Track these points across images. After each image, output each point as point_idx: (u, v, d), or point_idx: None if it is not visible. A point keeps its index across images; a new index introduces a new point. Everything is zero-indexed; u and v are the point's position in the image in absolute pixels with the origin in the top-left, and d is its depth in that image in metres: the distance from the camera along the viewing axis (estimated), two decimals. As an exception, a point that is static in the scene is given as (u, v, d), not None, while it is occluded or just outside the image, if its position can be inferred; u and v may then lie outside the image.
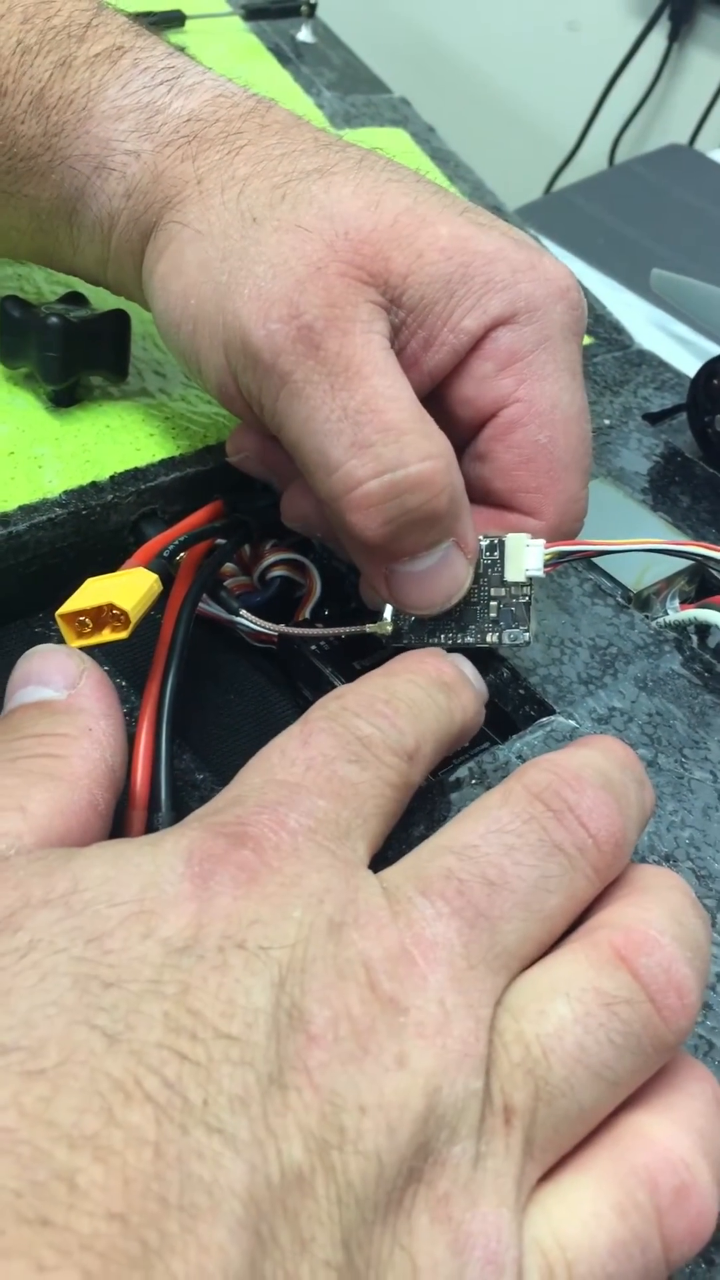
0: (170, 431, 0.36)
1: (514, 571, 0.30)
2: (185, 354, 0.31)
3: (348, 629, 0.31)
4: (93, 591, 0.26)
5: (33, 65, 0.31)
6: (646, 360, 0.51)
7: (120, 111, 0.31)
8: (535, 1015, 0.20)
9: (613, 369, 0.50)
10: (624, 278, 0.67)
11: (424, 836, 0.23)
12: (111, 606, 0.26)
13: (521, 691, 0.33)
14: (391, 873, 0.21)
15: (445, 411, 0.30)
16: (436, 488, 0.27)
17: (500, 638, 0.30)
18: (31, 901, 0.18)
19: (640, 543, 0.32)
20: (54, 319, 0.34)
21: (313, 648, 0.32)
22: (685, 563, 0.38)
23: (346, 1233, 0.17)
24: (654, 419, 0.48)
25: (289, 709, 0.33)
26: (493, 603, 0.30)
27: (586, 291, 0.49)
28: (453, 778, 0.29)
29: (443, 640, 0.30)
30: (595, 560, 0.38)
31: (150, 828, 0.26)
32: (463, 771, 0.30)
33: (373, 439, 0.27)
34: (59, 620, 0.26)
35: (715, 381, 0.46)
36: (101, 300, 0.37)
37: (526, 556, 0.30)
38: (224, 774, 0.29)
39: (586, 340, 0.50)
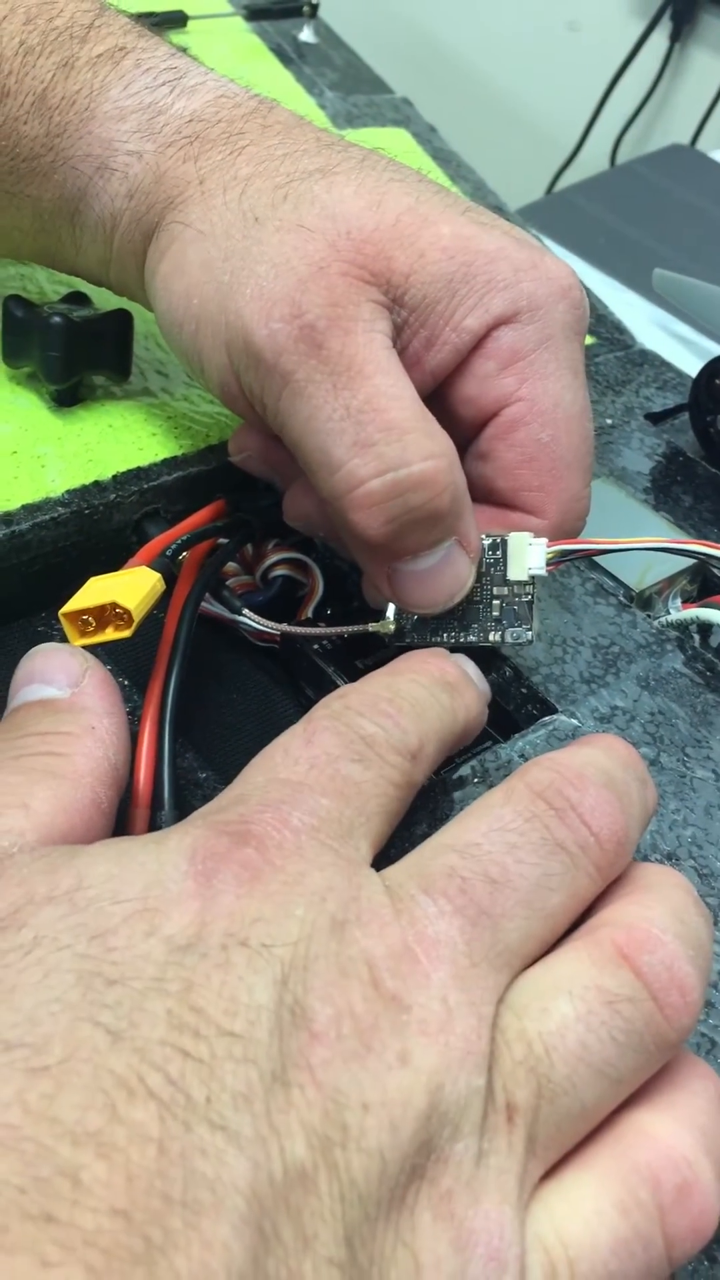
0: (173, 431, 0.36)
1: (516, 570, 0.30)
2: (188, 354, 0.31)
3: (350, 628, 0.31)
4: (96, 590, 0.27)
5: (35, 66, 0.31)
6: (648, 360, 0.51)
7: (122, 112, 0.31)
8: (538, 1013, 0.20)
9: (615, 369, 0.50)
10: (626, 278, 0.67)
11: (426, 835, 0.23)
12: (115, 605, 0.26)
13: (524, 690, 0.33)
14: (394, 871, 0.21)
15: (447, 410, 0.30)
16: (439, 486, 0.27)
17: (503, 636, 0.30)
18: (36, 898, 0.18)
19: (642, 541, 0.32)
20: (57, 318, 0.34)
21: (315, 647, 0.32)
22: (687, 562, 0.38)
23: (349, 1230, 0.17)
24: (656, 419, 0.48)
25: (291, 708, 0.33)
26: (495, 601, 0.30)
27: (588, 292, 0.49)
28: (455, 776, 0.29)
29: (445, 639, 0.30)
30: (597, 559, 0.38)
31: (153, 826, 0.26)
32: (465, 770, 0.30)
33: (375, 438, 0.27)
34: (62, 619, 0.26)
35: (717, 381, 0.46)
36: (104, 300, 0.37)
37: (529, 555, 0.30)
38: (226, 772, 0.29)
39: (589, 340, 0.50)
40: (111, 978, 0.17)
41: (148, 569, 0.28)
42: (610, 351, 0.51)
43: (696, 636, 0.36)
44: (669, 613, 0.37)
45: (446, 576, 0.29)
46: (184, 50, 0.34)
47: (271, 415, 0.29)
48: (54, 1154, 0.15)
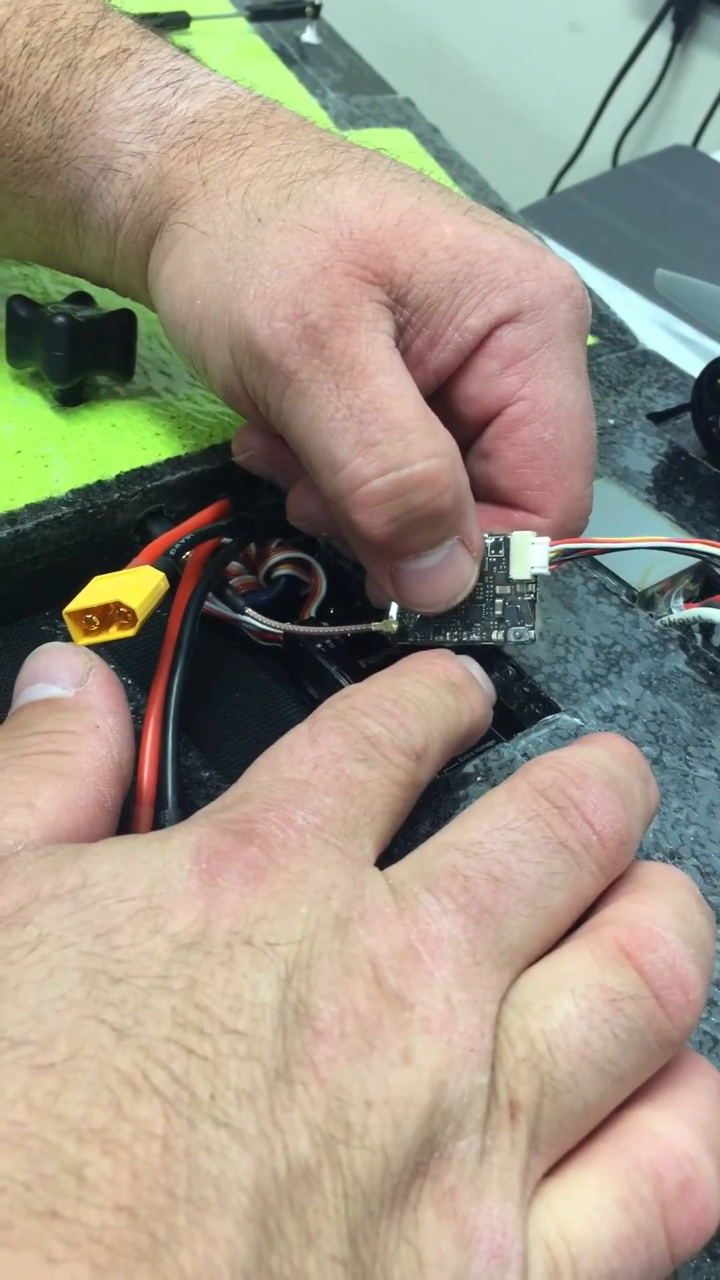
0: (176, 431, 0.36)
1: (519, 569, 0.30)
2: (191, 354, 0.31)
3: (353, 627, 0.31)
4: (100, 589, 0.27)
5: (39, 68, 0.31)
6: (650, 360, 0.51)
7: (126, 113, 0.31)
8: (540, 1011, 0.20)
9: (617, 369, 0.50)
10: (628, 278, 0.67)
11: (429, 833, 0.23)
12: (119, 604, 0.26)
13: (526, 689, 0.33)
14: (397, 869, 0.22)
15: (450, 410, 0.30)
16: (441, 486, 0.27)
17: (505, 635, 0.30)
18: (41, 896, 0.18)
19: (644, 540, 0.32)
20: (60, 318, 0.34)
21: (318, 646, 0.32)
22: (689, 562, 0.38)
23: (353, 1227, 0.17)
24: (658, 419, 0.48)
25: (294, 707, 0.33)
26: (498, 600, 0.30)
27: (591, 292, 0.49)
28: (458, 775, 0.29)
29: (448, 638, 0.30)
30: (600, 559, 0.38)
31: (157, 824, 0.26)
32: (468, 769, 0.30)
33: (378, 437, 0.27)
34: (66, 618, 0.26)
35: (719, 381, 0.46)
36: (107, 300, 0.37)
37: (531, 554, 0.30)
38: (229, 771, 0.29)
39: (591, 340, 0.51)
40: (116, 975, 0.17)
41: (151, 568, 0.28)
42: (612, 352, 0.51)
43: (699, 636, 0.36)
44: (671, 612, 0.37)
45: (449, 575, 0.29)
46: (187, 51, 0.34)
47: (275, 415, 0.29)
48: (59, 1150, 0.15)
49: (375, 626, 0.30)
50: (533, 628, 0.30)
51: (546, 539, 0.30)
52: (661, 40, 1.45)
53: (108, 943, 0.18)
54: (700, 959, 0.21)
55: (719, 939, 0.25)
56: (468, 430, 0.31)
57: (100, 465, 0.34)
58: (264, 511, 0.35)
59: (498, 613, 0.30)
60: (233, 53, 0.64)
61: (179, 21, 0.63)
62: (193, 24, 0.63)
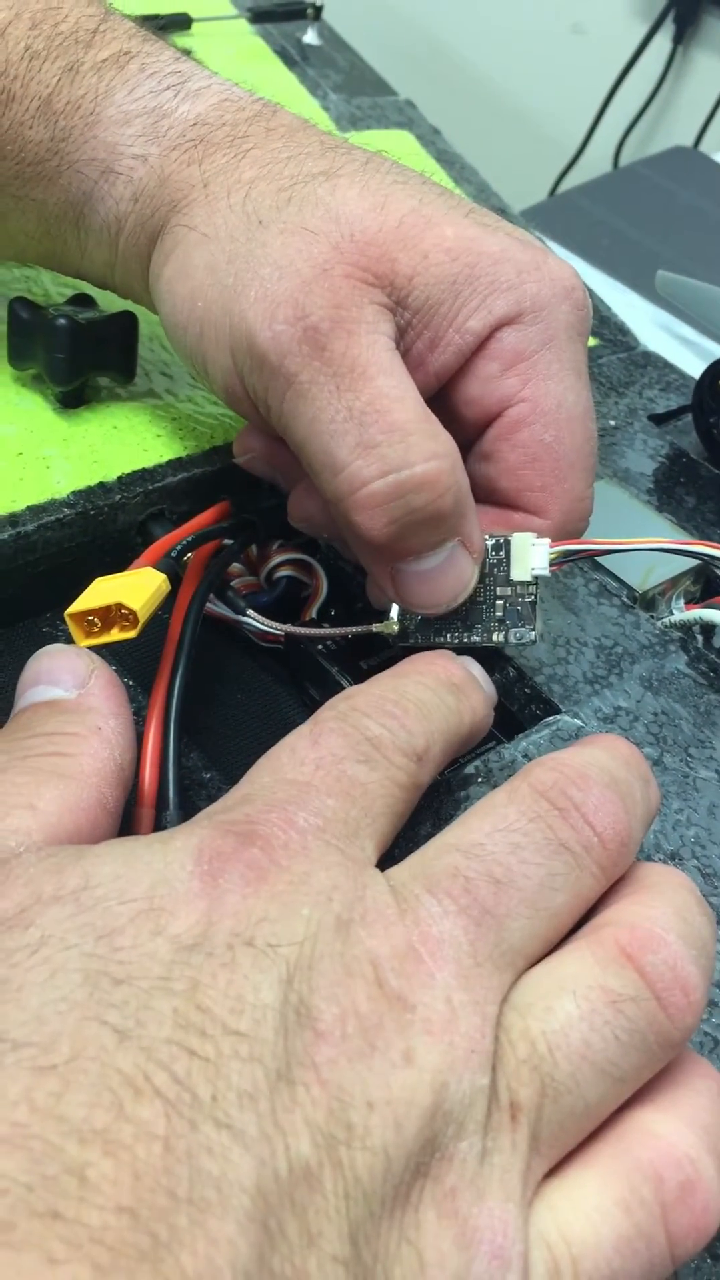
0: (177, 432, 0.36)
1: (519, 571, 0.30)
2: (192, 356, 0.31)
3: (354, 629, 0.31)
4: (101, 591, 0.27)
5: (40, 71, 0.31)
6: (651, 362, 0.51)
7: (127, 116, 0.31)
8: (541, 1012, 0.20)
9: (618, 370, 0.50)
10: (629, 279, 0.67)
11: (430, 835, 0.23)
12: (120, 606, 0.26)
13: (527, 691, 0.33)
14: (398, 871, 0.22)
15: (450, 411, 0.31)
16: (441, 487, 0.27)
17: (506, 637, 0.30)
18: (43, 898, 0.18)
19: (645, 542, 0.32)
20: (62, 320, 0.34)
21: (319, 647, 0.33)
22: (690, 563, 0.38)
23: (354, 1227, 0.17)
24: (659, 420, 0.48)
25: (296, 708, 0.33)
26: (498, 602, 0.30)
27: (591, 293, 0.49)
28: (459, 776, 0.30)
29: (449, 639, 0.30)
30: (601, 560, 0.38)
31: (158, 825, 0.26)
32: (469, 770, 0.30)
33: (378, 439, 0.27)
34: (68, 620, 0.26)
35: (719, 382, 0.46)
36: (109, 302, 0.37)
37: (532, 555, 0.30)
38: (231, 772, 0.29)
39: (592, 342, 0.51)
40: (118, 977, 0.17)
41: (153, 570, 0.28)
42: (613, 353, 0.51)
43: (699, 637, 0.36)
44: (672, 614, 0.37)
45: (449, 577, 0.29)
46: (188, 53, 0.34)
47: (275, 417, 0.29)
48: (61, 1152, 0.15)
49: (376, 628, 0.31)
50: (533, 629, 0.30)
51: (547, 540, 0.30)
52: (663, 41, 1.45)
53: (110, 944, 0.18)
54: (701, 960, 0.21)
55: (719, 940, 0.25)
56: (468, 432, 0.31)
57: (102, 467, 0.34)
58: (265, 513, 0.35)
59: (498, 614, 0.30)
60: (234, 54, 0.64)
61: (181, 23, 0.63)
62: (194, 25, 0.64)
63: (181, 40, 0.62)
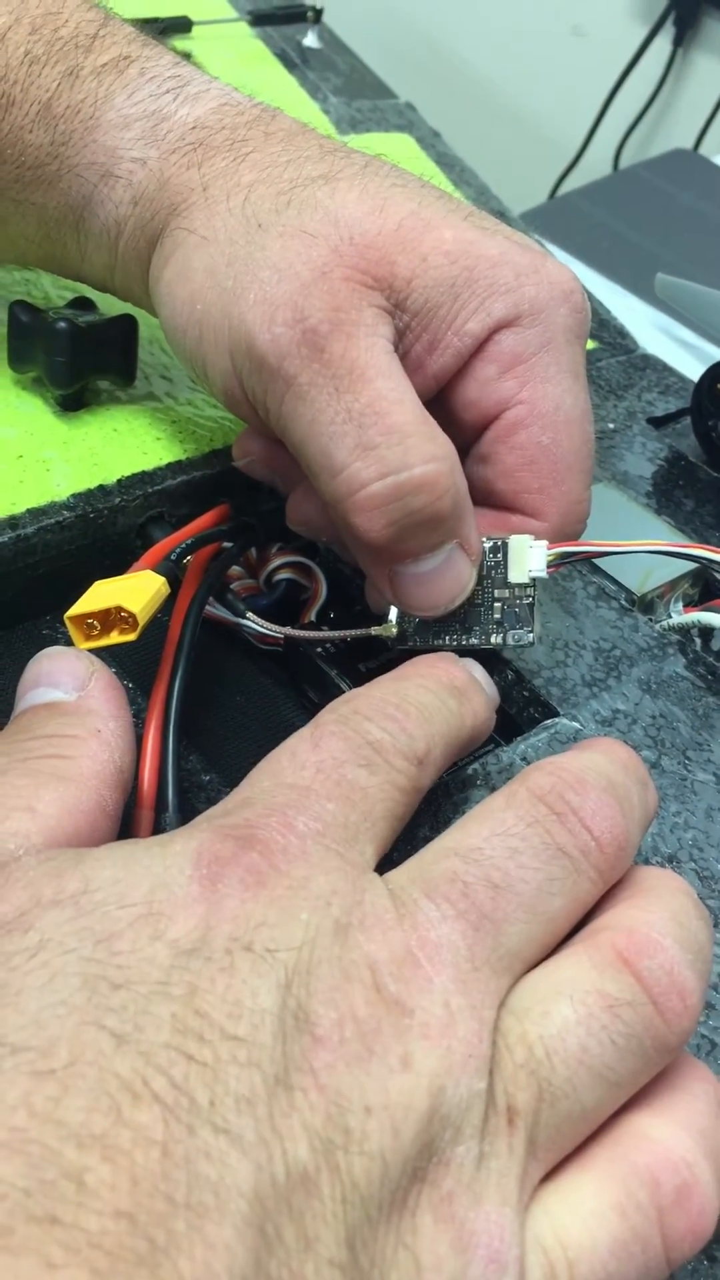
0: (177, 435, 0.36)
1: (517, 573, 0.30)
2: (191, 359, 0.31)
3: (353, 632, 0.31)
4: (101, 594, 0.27)
5: (40, 75, 0.31)
6: (650, 364, 0.51)
7: (127, 120, 0.31)
8: (539, 1017, 0.20)
9: (617, 373, 0.50)
10: (628, 282, 0.67)
11: (428, 838, 0.23)
12: (120, 609, 0.26)
13: (526, 694, 0.33)
14: (396, 875, 0.22)
15: (449, 414, 0.31)
16: (440, 489, 0.27)
17: (504, 639, 0.30)
18: (42, 901, 0.19)
19: (643, 544, 0.32)
20: (62, 324, 0.34)
21: (318, 650, 0.33)
22: (689, 566, 0.38)
23: (351, 1232, 0.17)
24: (658, 423, 0.48)
25: (295, 711, 0.33)
26: (496, 604, 0.30)
27: (591, 296, 0.49)
28: (457, 779, 0.30)
29: (447, 642, 0.30)
30: (599, 564, 0.38)
31: (158, 828, 0.26)
32: (467, 773, 0.30)
33: (377, 441, 0.27)
34: (68, 623, 0.27)
35: (719, 385, 0.46)
36: (109, 305, 0.37)
37: (529, 558, 0.30)
38: (230, 775, 0.29)
39: (591, 345, 0.51)
40: (117, 981, 0.17)
41: (152, 573, 0.28)
42: (612, 356, 0.51)
43: (698, 640, 0.36)
44: (670, 616, 0.37)
45: (448, 579, 0.29)
46: (188, 56, 0.34)
47: (274, 419, 0.29)
48: (59, 1156, 0.15)
49: (375, 631, 0.31)
50: (531, 631, 0.30)
51: (544, 542, 0.30)
52: (663, 44, 1.45)
53: (108, 948, 0.18)
54: (697, 965, 0.21)
55: (716, 943, 0.25)
56: (466, 434, 0.31)
57: (101, 470, 0.34)
58: (264, 516, 0.35)
59: (496, 616, 0.30)
60: (234, 57, 0.64)
61: (181, 26, 0.63)
62: (194, 29, 0.64)
63: (181, 43, 0.62)
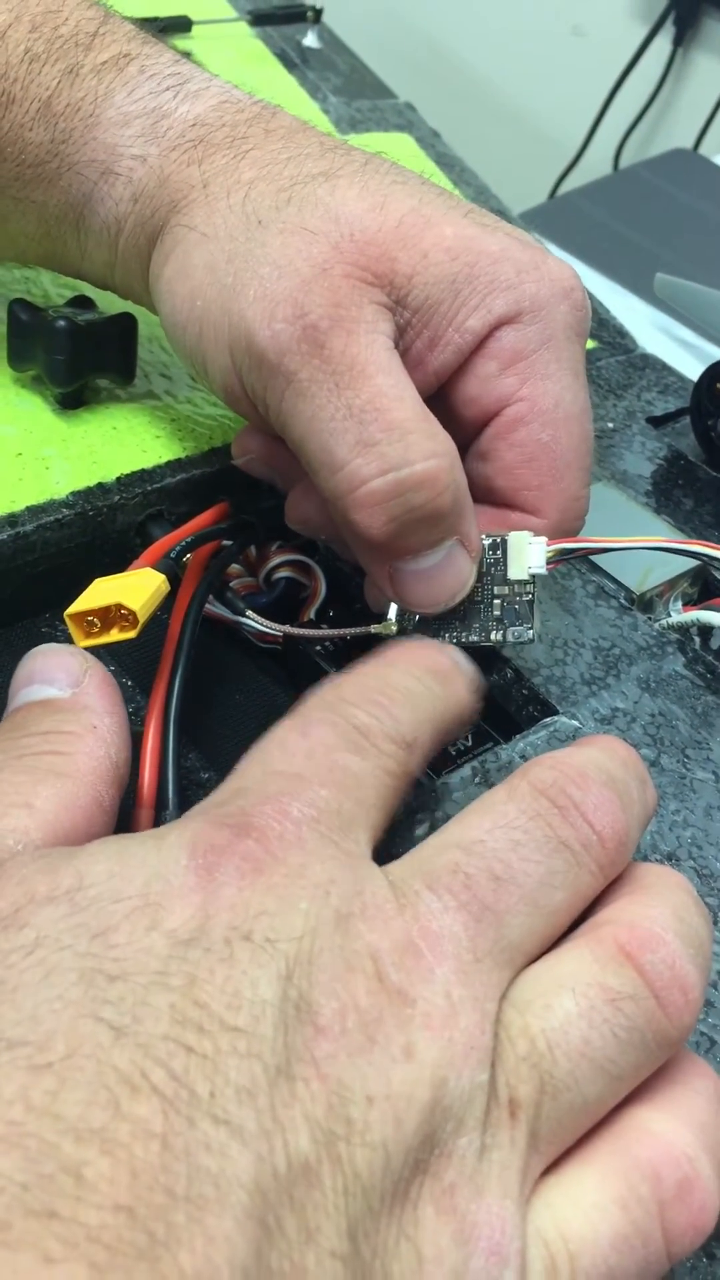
0: (176, 433, 0.36)
1: (516, 569, 0.30)
2: (192, 356, 0.31)
3: (353, 630, 0.31)
4: (101, 592, 0.27)
5: (40, 73, 0.31)
6: (650, 364, 0.51)
7: (127, 118, 0.31)
8: (540, 1009, 0.20)
9: (616, 372, 0.50)
10: (628, 282, 0.67)
11: (427, 837, 0.23)
12: (120, 606, 0.26)
13: (525, 691, 0.33)
14: (397, 867, 0.22)
15: (449, 410, 0.31)
16: (440, 486, 0.27)
17: (504, 636, 0.30)
18: (37, 898, 0.18)
19: (641, 540, 0.32)
20: (61, 322, 0.34)
21: (317, 648, 0.33)
22: (688, 565, 0.38)
23: (352, 1223, 0.17)
24: (657, 422, 0.48)
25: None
26: (496, 601, 0.30)
27: (590, 296, 0.49)
28: (457, 777, 0.30)
29: (447, 639, 0.30)
30: (598, 562, 0.38)
31: (158, 826, 0.26)
32: (466, 771, 0.30)
33: (377, 438, 0.27)
34: (68, 620, 0.27)
35: (718, 385, 0.46)
36: (108, 303, 0.37)
37: (529, 554, 0.30)
38: (229, 772, 0.29)
39: (590, 344, 0.51)
40: (113, 974, 0.17)
41: (152, 570, 0.28)
42: (612, 355, 0.51)
43: (697, 639, 0.37)
44: (670, 615, 0.37)
45: (448, 576, 0.29)
46: (188, 55, 0.34)
47: (274, 416, 0.29)
48: (57, 1150, 0.15)
49: (375, 629, 0.31)
50: (531, 628, 0.30)
51: (543, 539, 0.30)
52: (663, 44, 1.45)
53: (104, 942, 0.18)
54: (698, 959, 0.21)
55: (716, 940, 0.25)
56: (466, 431, 0.31)
57: (101, 468, 0.34)
58: (264, 514, 0.35)
59: (496, 613, 0.30)
60: (234, 57, 0.64)
61: (181, 26, 0.63)
62: (194, 28, 0.64)
63: (181, 43, 0.62)
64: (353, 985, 0.18)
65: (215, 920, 0.18)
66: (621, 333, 0.53)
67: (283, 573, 0.36)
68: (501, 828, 0.22)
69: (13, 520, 0.32)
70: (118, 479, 0.34)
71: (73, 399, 0.36)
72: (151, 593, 0.27)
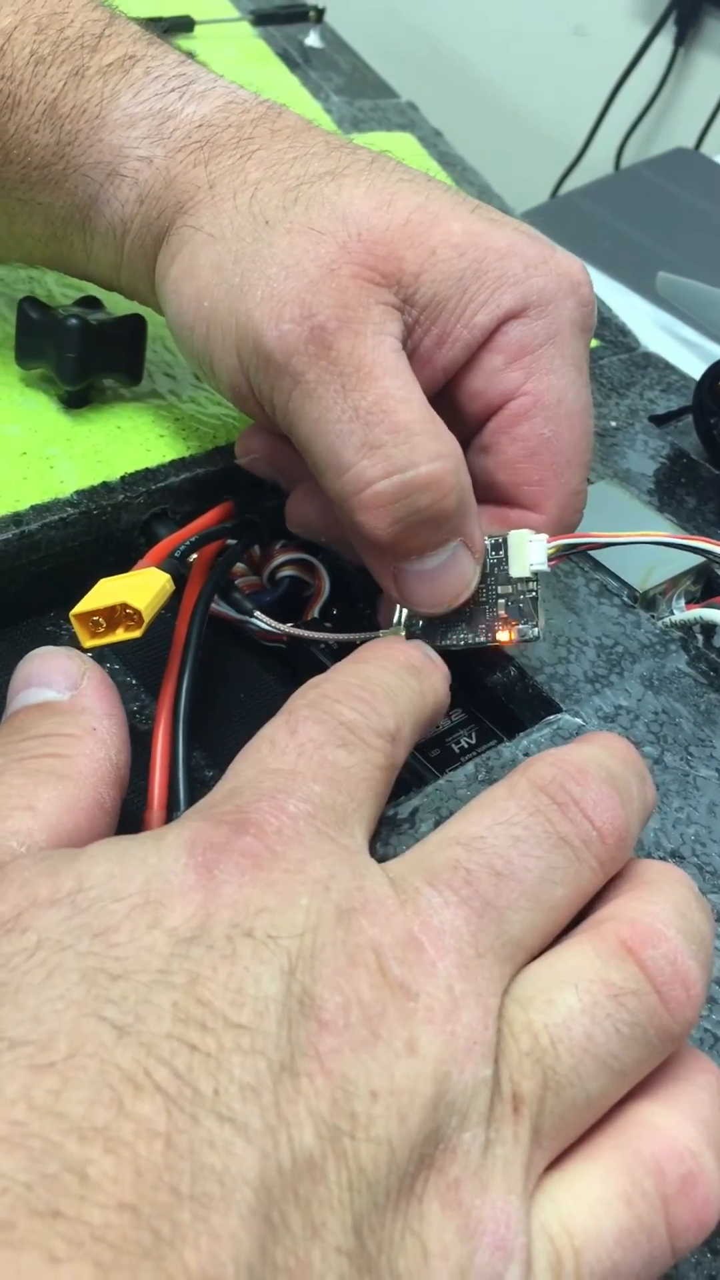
0: (180, 433, 0.36)
1: (518, 567, 0.30)
2: (198, 356, 0.31)
3: (361, 635, 0.31)
4: (106, 591, 0.27)
5: (46, 76, 0.31)
6: (652, 363, 0.51)
7: (132, 119, 0.32)
8: (543, 1005, 0.20)
9: (619, 371, 0.50)
10: (630, 281, 0.67)
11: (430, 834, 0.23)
12: (125, 606, 0.26)
13: (528, 690, 0.33)
14: (397, 864, 0.22)
15: (453, 405, 0.31)
16: (445, 488, 0.27)
17: (510, 634, 0.30)
18: (38, 901, 0.18)
19: (642, 535, 0.32)
20: (73, 320, 0.34)
21: (321, 646, 0.33)
22: (691, 562, 0.38)
23: (358, 1218, 0.17)
24: (660, 421, 0.48)
25: (298, 707, 0.33)
26: (500, 600, 0.30)
27: (593, 294, 0.49)
28: (461, 774, 0.30)
29: (454, 641, 0.30)
30: (601, 560, 0.38)
31: (168, 826, 0.26)
32: (470, 768, 0.30)
33: (383, 439, 0.27)
34: (73, 620, 0.27)
35: (721, 383, 0.46)
36: (114, 304, 0.37)
37: (530, 552, 0.30)
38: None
39: (593, 343, 0.51)
40: (115, 973, 0.17)
41: (157, 570, 0.28)
42: (614, 354, 0.51)
43: (700, 637, 0.37)
44: (672, 613, 0.37)
45: (452, 576, 0.29)
46: (191, 55, 0.34)
47: (281, 416, 0.29)
48: (61, 1149, 0.15)
49: (384, 634, 0.31)
50: (536, 625, 0.30)
51: (544, 536, 0.30)
52: (664, 43, 1.45)
53: (106, 941, 0.18)
54: (700, 955, 0.21)
55: (718, 936, 0.25)
56: (469, 425, 0.31)
57: (105, 467, 0.34)
58: (268, 513, 0.35)
59: (500, 612, 0.30)
60: (237, 57, 0.64)
61: (183, 26, 0.63)
62: (197, 28, 0.64)
63: (184, 43, 0.63)
64: (355, 979, 0.19)
65: (216, 917, 0.18)
66: (624, 331, 0.53)
67: (286, 571, 0.36)
68: (502, 824, 0.22)
69: (18, 519, 0.32)
70: (122, 478, 0.34)
71: (78, 398, 0.36)
72: (156, 592, 0.27)
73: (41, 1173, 0.15)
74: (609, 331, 0.52)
